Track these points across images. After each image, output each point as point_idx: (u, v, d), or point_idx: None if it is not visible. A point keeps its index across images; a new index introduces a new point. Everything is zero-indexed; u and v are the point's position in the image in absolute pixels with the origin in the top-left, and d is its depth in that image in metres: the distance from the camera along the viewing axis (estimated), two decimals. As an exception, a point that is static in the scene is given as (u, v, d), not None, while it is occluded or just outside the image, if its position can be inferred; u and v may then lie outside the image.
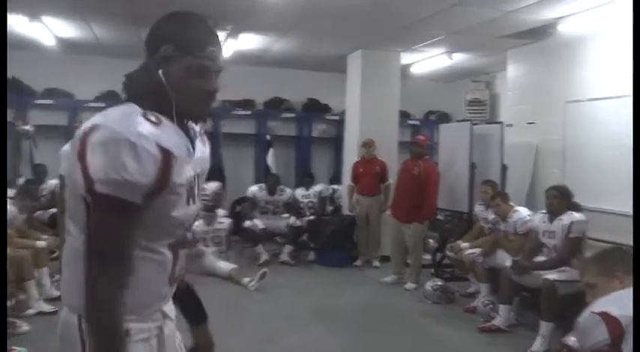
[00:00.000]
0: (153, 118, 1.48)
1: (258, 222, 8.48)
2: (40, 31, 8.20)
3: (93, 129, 1.43)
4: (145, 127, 1.44)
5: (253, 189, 8.92)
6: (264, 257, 8.24)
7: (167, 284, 1.66)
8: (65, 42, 8.89)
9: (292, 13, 7.00)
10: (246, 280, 6.98)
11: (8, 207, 5.70)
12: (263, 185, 8.92)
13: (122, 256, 1.46)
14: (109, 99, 9.98)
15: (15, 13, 7.51)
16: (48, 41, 8.73)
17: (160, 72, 1.54)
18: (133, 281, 1.49)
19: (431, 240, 8.49)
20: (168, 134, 1.49)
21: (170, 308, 1.76)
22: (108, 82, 9.95)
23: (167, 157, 1.45)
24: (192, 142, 1.62)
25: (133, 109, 1.49)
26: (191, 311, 1.98)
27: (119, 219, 1.43)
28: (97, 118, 1.46)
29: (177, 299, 1.83)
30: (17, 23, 7.96)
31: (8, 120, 9.36)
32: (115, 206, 1.41)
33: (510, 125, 7.82)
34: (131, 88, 1.59)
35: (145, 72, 1.58)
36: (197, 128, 1.71)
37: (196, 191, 1.63)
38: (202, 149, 1.70)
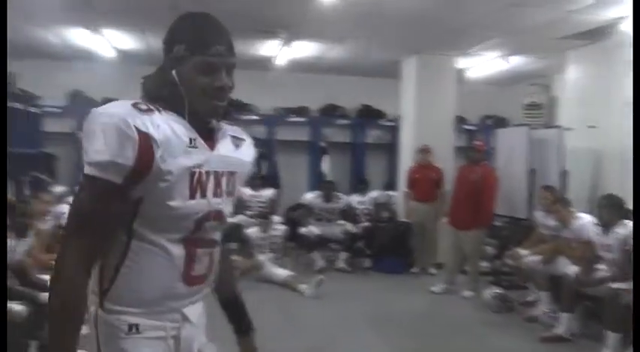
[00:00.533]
0: (143, 107, 1.53)
1: (313, 229, 8.47)
2: (100, 43, 8.40)
3: (87, 117, 1.51)
4: (127, 112, 1.49)
5: (309, 196, 8.91)
6: (320, 263, 8.22)
7: (182, 283, 1.65)
8: (123, 53, 9.08)
9: (346, 19, 6.99)
10: (302, 287, 6.98)
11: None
12: (319, 192, 8.90)
13: (89, 232, 1.49)
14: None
15: (76, 26, 7.73)
16: (107, 53, 8.94)
17: (174, 72, 1.61)
18: (135, 273, 1.57)
19: (489, 247, 8.32)
20: (159, 122, 1.52)
21: (194, 311, 1.75)
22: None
23: (145, 140, 1.48)
24: (212, 139, 1.66)
25: (128, 101, 1.54)
26: (237, 321, 2.01)
27: (91, 196, 1.48)
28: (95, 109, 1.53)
29: (224, 307, 1.95)
30: (78, 36, 8.19)
31: (71, 130, 9.65)
32: (91, 184, 1.48)
33: (570, 129, 7.60)
34: (147, 88, 1.68)
35: (161, 72, 1.66)
36: (233, 130, 1.78)
37: (211, 187, 1.64)
38: (231, 149, 1.74)
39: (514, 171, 7.65)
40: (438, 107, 8.76)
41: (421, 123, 8.77)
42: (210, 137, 1.65)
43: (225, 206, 1.72)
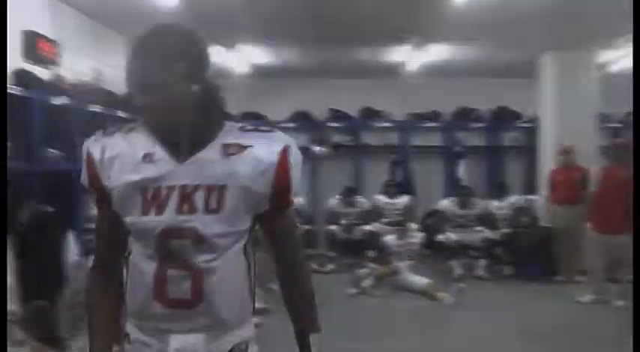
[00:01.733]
0: (110, 130, 1.66)
1: (451, 235, 8.31)
2: (234, 60, 8.72)
3: None
4: (91, 138, 1.66)
5: (445, 203, 8.76)
6: (458, 271, 8.06)
7: (157, 303, 1.61)
8: (257, 67, 9.37)
9: (477, 20, 6.83)
10: (441, 295, 6.87)
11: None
12: (455, 198, 8.73)
13: (96, 244, 1.77)
14: (300, 119, 10.40)
15: (213, 43, 8.07)
16: (242, 68, 9.26)
17: None
18: (128, 284, 1.68)
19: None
20: (116, 142, 1.62)
21: (185, 343, 1.63)
22: (297, 103, 10.38)
23: (90, 162, 1.63)
24: (190, 151, 1.58)
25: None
26: (295, 321, 1.80)
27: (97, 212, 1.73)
28: None
29: (285, 303, 1.80)
30: (215, 54, 8.54)
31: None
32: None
33: None
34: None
35: None
36: (238, 136, 1.63)
37: (175, 202, 1.57)
38: (216, 159, 1.58)
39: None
40: (578, 105, 8.35)
41: (561, 122, 8.41)
42: (190, 148, 1.58)
43: (205, 224, 1.57)
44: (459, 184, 9.41)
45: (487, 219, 8.63)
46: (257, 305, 1.77)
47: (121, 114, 5.87)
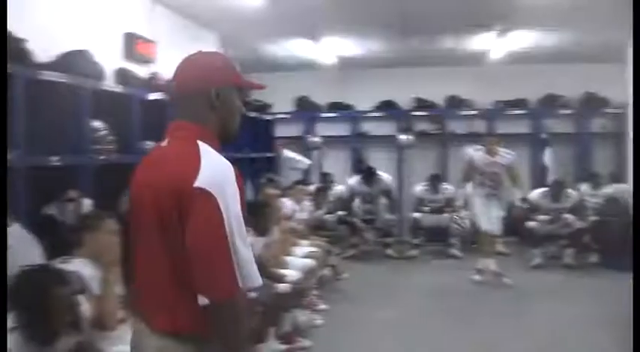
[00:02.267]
0: None
1: (542, 222, 8.24)
2: (321, 52, 8.99)
3: None
4: None
5: (536, 195, 8.46)
6: (538, 260, 8.09)
7: None
8: (343, 59, 9.60)
9: (561, 4, 6.76)
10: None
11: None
12: (547, 191, 8.43)
13: None
14: (387, 108, 10.58)
15: (300, 37, 8.36)
16: (328, 60, 9.52)
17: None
18: None
19: None
20: None
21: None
22: (383, 92, 10.56)
23: None
24: None
25: None
26: None
27: None
28: None
29: None
30: (302, 47, 8.84)
31: (299, 134, 10.44)
32: None
33: None
34: None
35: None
36: None
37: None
38: None
39: None
40: (671, 90, 8.10)
41: (651, 108, 8.16)
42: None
43: None
44: (554, 179, 8.99)
45: (577, 208, 8.47)
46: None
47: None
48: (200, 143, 1.75)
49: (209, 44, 7.65)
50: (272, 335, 4.59)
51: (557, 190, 8.33)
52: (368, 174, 8.71)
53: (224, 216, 1.64)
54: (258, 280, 1.73)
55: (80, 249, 3.22)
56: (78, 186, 4.14)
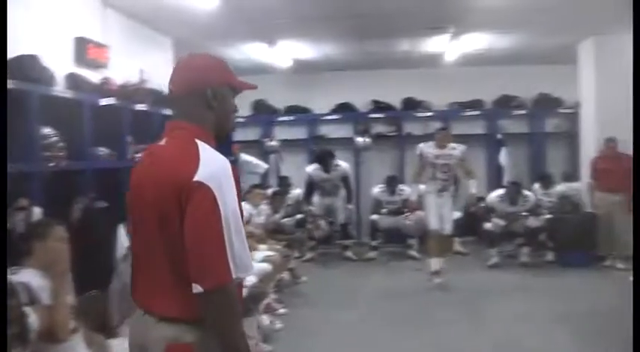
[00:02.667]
0: None
1: (498, 222, 8.34)
2: (277, 55, 8.96)
3: None
4: None
5: (492, 199, 8.57)
6: (495, 259, 8.20)
7: None
8: (299, 62, 9.57)
9: (514, 7, 6.85)
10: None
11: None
12: (504, 194, 8.50)
13: None
14: (344, 110, 10.61)
15: (255, 41, 8.31)
16: (285, 63, 9.49)
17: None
18: None
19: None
20: None
21: None
22: (340, 95, 10.59)
23: None
24: None
25: None
26: None
27: None
28: None
29: None
30: (257, 50, 8.80)
31: (257, 138, 10.40)
32: None
33: None
34: None
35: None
36: None
37: None
38: None
39: None
40: (620, 90, 8.22)
41: (602, 108, 8.34)
42: None
43: None
44: (511, 181, 9.04)
45: (534, 208, 8.57)
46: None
47: (166, 112, 6.14)
48: (198, 141, 1.84)
49: (163, 48, 7.56)
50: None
51: (513, 193, 8.42)
52: (326, 157, 8.74)
53: (221, 209, 1.73)
54: (251, 269, 1.85)
55: (30, 258, 3.13)
56: (28, 194, 4.04)
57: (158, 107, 6.07)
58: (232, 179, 1.81)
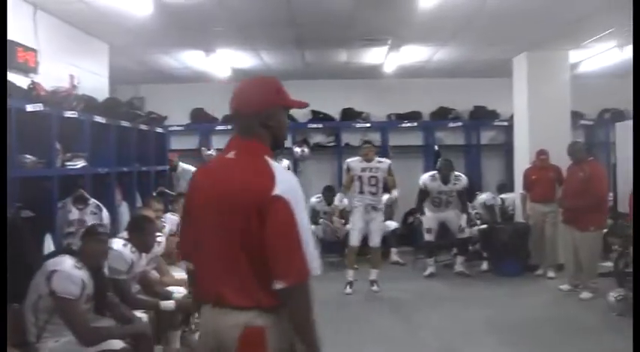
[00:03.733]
0: None
1: (432, 232, 8.40)
2: (215, 64, 8.85)
3: None
4: None
5: (425, 178, 8.56)
6: (431, 269, 8.27)
7: None
8: (238, 71, 9.49)
9: (452, 21, 6.97)
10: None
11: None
12: (435, 173, 8.52)
13: None
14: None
15: (193, 49, 8.20)
16: (223, 73, 9.39)
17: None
18: None
19: (615, 247, 7.97)
20: None
21: None
22: (279, 105, 10.52)
23: None
24: None
25: None
26: None
27: None
28: None
29: None
30: (195, 58, 8.68)
31: (195, 146, 10.23)
32: None
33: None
34: None
35: None
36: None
37: None
38: None
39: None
40: (552, 104, 8.51)
41: (535, 121, 8.56)
42: None
43: None
44: (443, 159, 8.86)
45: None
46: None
47: (98, 119, 5.97)
48: (267, 158, 2.19)
49: (99, 54, 7.38)
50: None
51: (445, 171, 8.40)
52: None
53: (296, 217, 2.07)
54: (319, 268, 2.13)
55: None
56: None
57: (89, 114, 5.89)
58: (301, 193, 2.15)
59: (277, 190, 2.06)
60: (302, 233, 2.06)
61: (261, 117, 2.23)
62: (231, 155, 2.24)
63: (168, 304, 4.47)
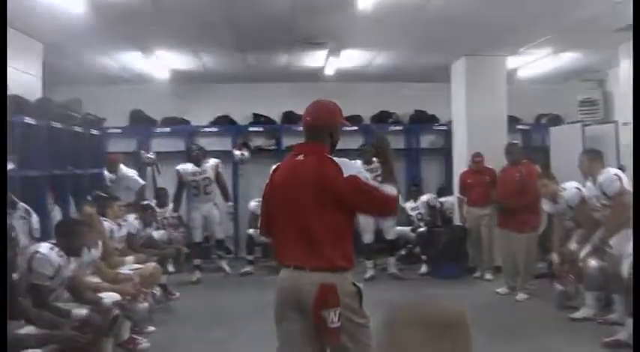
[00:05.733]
0: None
1: (369, 236, 8.39)
2: (154, 65, 8.69)
3: None
4: None
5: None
6: (371, 272, 8.25)
7: None
8: (178, 73, 9.34)
9: (392, 26, 7.01)
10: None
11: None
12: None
13: None
14: (223, 123, 10.46)
15: (130, 49, 8.02)
16: (162, 74, 9.21)
17: None
18: None
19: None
20: None
21: None
22: (219, 107, 10.44)
23: None
24: None
25: None
26: None
27: None
28: None
29: None
30: (133, 59, 8.50)
31: (133, 150, 10.00)
32: None
33: (627, 124, 7.39)
34: None
35: None
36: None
37: None
38: None
39: (570, 169, 7.49)
40: (489, 108, 8.64)
41: (473, 125, 8.68)
42: None
43: None
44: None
45: (403, 220, 8.77)
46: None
47: (29, 120, 5.78)
48: (328, 155, 3.04)
49: (33, 53, 7.12)
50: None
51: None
52: (197, 152, 8.62)
53: (364, 180, 2.96)
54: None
55: None
56: None
57: (19, 115, 5.68)
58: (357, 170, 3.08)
59: (346, 174, 2.91)
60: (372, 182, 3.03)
61: (330, 130, 3.11)
62: (300, 158, 3.06)
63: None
